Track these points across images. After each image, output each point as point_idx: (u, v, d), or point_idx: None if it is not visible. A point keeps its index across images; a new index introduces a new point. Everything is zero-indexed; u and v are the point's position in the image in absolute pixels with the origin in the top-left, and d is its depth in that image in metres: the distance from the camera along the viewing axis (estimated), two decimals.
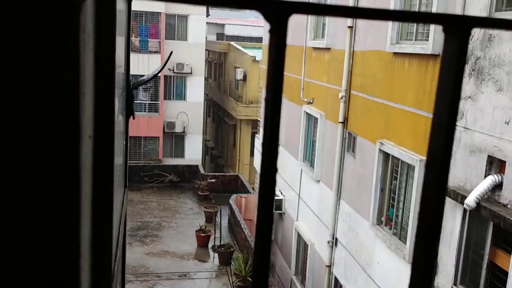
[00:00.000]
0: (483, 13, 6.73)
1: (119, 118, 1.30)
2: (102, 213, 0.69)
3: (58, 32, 0.44)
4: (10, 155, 0.44)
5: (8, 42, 0.43)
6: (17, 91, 0.44)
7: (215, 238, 18.57)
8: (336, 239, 11.41)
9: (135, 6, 24.76)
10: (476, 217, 6.71)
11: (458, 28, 0.50)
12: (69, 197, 0.46)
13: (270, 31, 0.47)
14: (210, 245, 18.68)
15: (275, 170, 0.46)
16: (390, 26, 9.03)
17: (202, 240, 18.62)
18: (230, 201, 20.24)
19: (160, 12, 26.06)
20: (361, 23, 10.40)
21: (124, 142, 1.55)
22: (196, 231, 18.85)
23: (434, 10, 7.70)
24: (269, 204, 0.48)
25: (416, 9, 8.51)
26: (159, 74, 26.04)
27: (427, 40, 8.03)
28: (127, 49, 1.55)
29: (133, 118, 1.62)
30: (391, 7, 8.96)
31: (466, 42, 0.50)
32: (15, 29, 0.43)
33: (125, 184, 1.67)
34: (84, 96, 0.50)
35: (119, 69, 1.38)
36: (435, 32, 7.68)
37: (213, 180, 24.17)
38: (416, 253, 0.51)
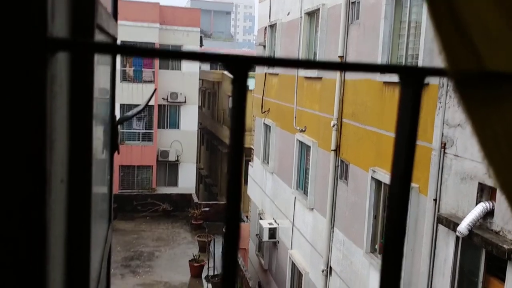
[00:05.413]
0: None
1: (103, 154, 1.32)
2: (78, 254, 0.70)
3: (24, 83, 0.46)
4: None
5: None
6: None
7: (208, 268, 18.36)
8: (331, 267, 11.32)
9: (129, 37, 25.06)
10: (469, 244, 6.69)
11: (412, 78, 0.52)
12: (34, 241, 0.47)
13: (233, 82, 0.51)
14: (203, 275, 18.44)
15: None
16: (379, 56, 9.18)
17: (196, 270, 18.39)
18: (224, 230, 20.05)
19: (154, 43, 26.34)
20: (351, 53, 10.57)
21: (109, 177, 1.56)
22: (190, 261, 18.64)
23: (421, 50, 7.84)
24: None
25: (404, 52, 8.67)
26: (152, 103, 26.14)
27: None
28: (112, 84, 1.58)
29: (118, 153, 1.63)
30: (379, 49, 9.12)
31: (420, 91, 0.53)
32: None
33: (109, 219, 1.68)
34: (53, 143, 0.52)
35: (103, 104, 1.40)
36: (424, 61, 7.82)
37: (207, 209, 24.03)
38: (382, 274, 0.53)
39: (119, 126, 1.69)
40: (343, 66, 0.52)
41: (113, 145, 1.48)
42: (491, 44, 0.49)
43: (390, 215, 0.54)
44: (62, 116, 0.58)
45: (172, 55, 0.50)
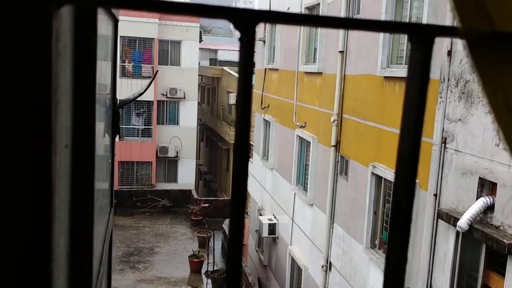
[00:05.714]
0: None
1: (105, 136, 1.31)
2: (81, 220, 0.69)
3: (28, 37, 0.45)
4: None
5: None
6: None
7: (208, 263, 18.38)
8: (330, 263, 11.33)
9: (128, 32, 25.03)
10: (469, 239, 6.70)
11: (422, 37, 0.51)
12: (39, 202, 0.46)
13: (240, 39, 0.50)
14: (203, 270, 18.46)
15: (246, 168, 0.46)
16: (380, 51, 9.16)
17: (195, 265, 18.41)
18: (224, 226, 20.10)
19: (154, 38, 26.30)
20: (352, 48, 10.55)
21: (110, 161, 1.56)
22: (189, 256, 18.66)
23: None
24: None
25: (404, 47, 8.65)
26: (151, 98, 26.11)
27: None
28: (113, 69, 1.57)
29: (119, 137, 1.62)
30: (380, 44, 9.10)
31: (430, 50, 0.52)
32: None
33: (111, 203, 1.67)
34: (58, 103, 0.51)
35: (104, 88, 1.39)
36: None
37: (206, 205, 24.05)
38: (388, 258, 0.52)
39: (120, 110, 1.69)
40: (348, 22, 0.51)
41: (114, 129, 1.48)
42: (505, 11, 0.48)
43: (398, 180, 0.53)
44: (66, 79, 0.57)
45: (176, 8, 0.49)
